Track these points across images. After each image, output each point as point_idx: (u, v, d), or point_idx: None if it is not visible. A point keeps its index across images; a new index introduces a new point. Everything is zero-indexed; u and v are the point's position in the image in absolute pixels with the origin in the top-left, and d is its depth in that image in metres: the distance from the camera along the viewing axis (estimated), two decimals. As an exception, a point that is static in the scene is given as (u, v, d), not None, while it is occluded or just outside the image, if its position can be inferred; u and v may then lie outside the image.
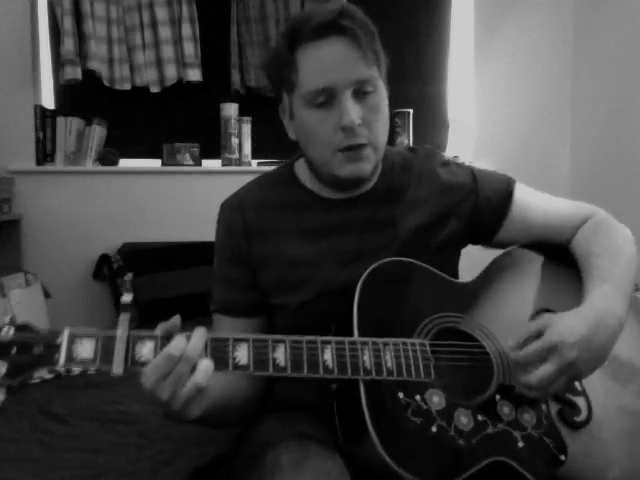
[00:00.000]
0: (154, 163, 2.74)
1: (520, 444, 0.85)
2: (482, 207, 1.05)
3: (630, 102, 2.37)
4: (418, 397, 0.83)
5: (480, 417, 0.85)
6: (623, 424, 0.93)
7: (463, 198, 1.05)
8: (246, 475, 0.89)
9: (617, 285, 0.93)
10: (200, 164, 2.72)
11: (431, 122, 2.87)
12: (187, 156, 2.69)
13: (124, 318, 0.73)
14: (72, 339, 0.71)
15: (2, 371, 0.66)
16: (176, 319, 0.76)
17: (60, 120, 2.63)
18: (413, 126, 2.73)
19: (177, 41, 2.67)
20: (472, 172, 1.08)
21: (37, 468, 1.12)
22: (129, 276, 0.66)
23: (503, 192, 1.06)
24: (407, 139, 2.72)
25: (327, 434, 0.89)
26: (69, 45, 2.53)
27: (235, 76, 2.70)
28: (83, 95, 2.69)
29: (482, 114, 2.82)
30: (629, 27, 2.39)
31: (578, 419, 0.90)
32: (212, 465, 1.12)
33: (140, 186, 2.68)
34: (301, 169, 1.04)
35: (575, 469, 0.86)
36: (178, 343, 0.73)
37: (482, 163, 2.77)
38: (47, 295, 2.32)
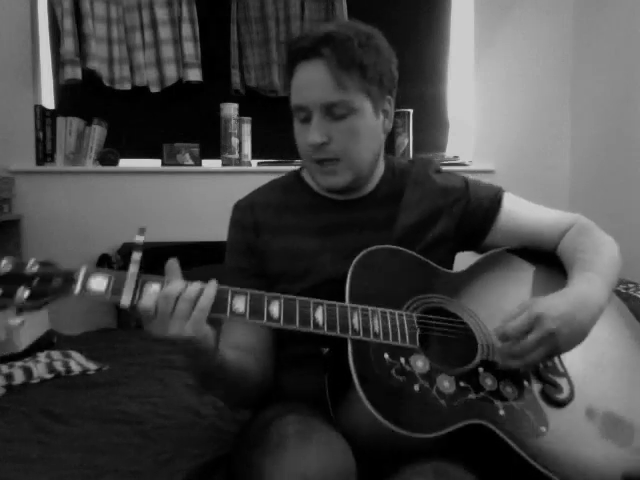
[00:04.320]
0: (154, 163, 2.74)
1: (501, 412, 0.89)
2: (472, 211, 1.13)
3: (630, 102, 2.37)
4: (402, 360, 0.90)
5: (462, 384, 0.90)
6: (605, 406, 0.96)
7: (455, 200, 1.13)
8: (250, 452, 0.93)
9: (599, 273, 1.00)
10: (200, 164, 2.72)
11: (431, 122, 2.87)
12: (187, 156, 2.69)
13: (136, 257, 0.82)
14: (88, 274, 0.81)
15: (25, 295, 0.77)
16: (172, 262, 0.85)
17: (60, 120, 2.63)
18: (413, 126, 2.73)
19: (177, 41, 2.67)
20: (465, 179, 1.17)
21: (37, 468, 1.11)
22: (144, 227, 0.71)
23: (492, 198, 1.14)
24: (407, 139, 2.73)
25: (327, 418, 0.93)
26: (69, 45, 2.53)
27: (235, 76, 2.70)
28: (83, 95, 2.69)
29: (482, 114, 2.82)
30: (629, 27, 2.39)
31: (560, 397, 0.94)
32: (212, 465, 1.12)
33: (140, 186, 2.68)
34: (307, 174, 1.13)
35: (555, 442, 0.89)
36: (175, 285, 0.81)
37: (482, 163, 2.78)
38: (47, 295, 2.32)
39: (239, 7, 2.70)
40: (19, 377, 1.61)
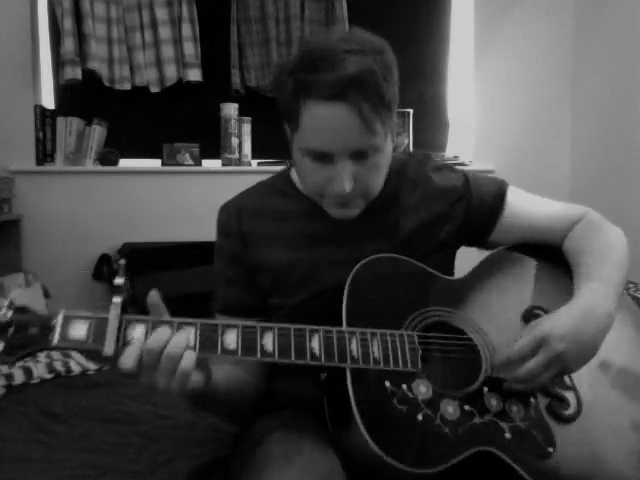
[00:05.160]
0: (154, 163, 2.74)
1: (507, 435, 0.86)
2: (475, 209, 1.07)
3: (630, 102, 2.37)
4: (405, 386, 0.85)
5: (467, 407, 0.87)
6: (613, 420, 0.93)
7: (456, 201, 1.07)
8: (239, 472, 0.91)
9: (606, 282, 0.95)
10: (200, 164, 2.72)
11: (431, 122, 2.87)
12: (187, 156, 2.69)
13: (117, 301, 0.76)
14: (67, 321, 0.75)
15: (0, 349, 0.71)
16: (152, 296, 0.78)
17: (60, 120, 2.63)
18: (413, 126, 2.73)
19: (177, 41, 2.67)
20: (465, 176, 1.10)
21: (37, 468, 1.12)
22: (122, 261, 0.69)
23: (495, 194, 1.08)
24: (407, 139, 2.73)
25: (322, 429, 0.91)
26: (69, 45, 2.53)
27: (235, 76, 2.70)
28: (83, 95, 2.69)
29: (482, 114, 2.82)
30: (629, 27, 2.39)
31: (567, 413, 0.91)
32: (212, 465, 1.12)
33: (140, 186, 2.68)
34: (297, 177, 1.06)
35: (563, 461, 0.87)
36: (159, 336, 0.75)
37: (482, 163, 2.78)
38: (47, 295, 2.32)
39: (239, 7, 2.70)
40: (19, 377, 1.61)
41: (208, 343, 0.78)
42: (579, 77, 2.78)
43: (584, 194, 2.72)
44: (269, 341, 0.80)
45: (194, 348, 0.77)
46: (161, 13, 2.65)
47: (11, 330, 0.73)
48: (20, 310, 0.75)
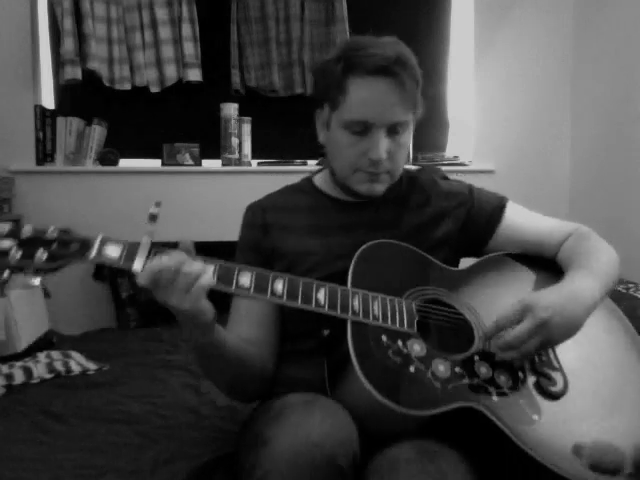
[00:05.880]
0: (154, 163, 2.74)
1: (494, 398, 0.91)
2: (475, 217, 1.17)
3: (630, 102, 2.37)
4: (400, 342, 0.92)
5: (458, 370, 0.92)
6: (597, 401, 0.98)
7: (459, 204, 1.17)
8: (253, 424, 0.96)
9: (594, 271, 1.03)
10: (200, 164, 2.72)
11: (431, 122, 2.87)
12: (187, 156, 2.69)
13: (150, 228, 0.87)
14: (104, 241, 0.87)
15: (44, 257, 0.83)
16: (187, 242, 0.88)
17: (60, 120, 2.63)
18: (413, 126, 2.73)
19: (177, 41, 2.67)
20: (469, 186, 1.22)
21: (37, 468, 1.12)
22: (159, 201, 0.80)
23: (495, 205, 1.19)
24: (407, 139, 2.72)
25: None
26: (69, 45, 2.53)
27: (235, 76, 2.70)
28: (83, 95, 2.69)
29: (482, 114, 2.82)
30: (629, 27, 2.39)
31: (554, 389, 0.96)
32: (212, 465, 1.12)
33: (140, 186, 2.68)
34: (320, 180, 1.20)
35: (546, 432, 0.90)
36: (177, 256, 0.84)
37: (482, 163, 2.78)
38: (47, 295, 2.32)
39: (239, 7, 2.70)
40: (19, 377, 1.61)
41: (224, 278, 0.88)
42: (579, 77, 2.78)
43: (584, 194, 2.72)
44: (279, 286, 0.91)
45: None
46: (161, 13, 2.65)
47: (55, 244, 0.85)
48: (65, 231, 0.87)
